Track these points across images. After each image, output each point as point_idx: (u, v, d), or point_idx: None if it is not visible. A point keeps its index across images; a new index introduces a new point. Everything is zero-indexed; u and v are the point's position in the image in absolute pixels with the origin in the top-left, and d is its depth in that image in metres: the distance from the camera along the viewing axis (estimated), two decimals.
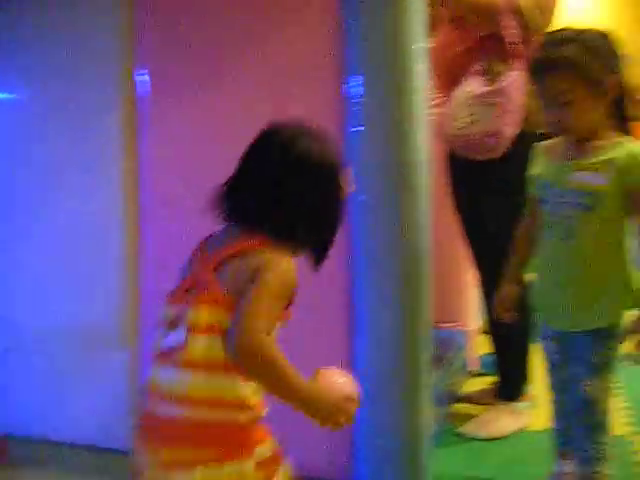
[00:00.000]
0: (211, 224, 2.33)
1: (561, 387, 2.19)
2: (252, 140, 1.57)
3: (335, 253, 2.19)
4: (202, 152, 2.37)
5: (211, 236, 1.59)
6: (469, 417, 2.88)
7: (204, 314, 1.41)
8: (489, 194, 2.78)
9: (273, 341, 1.37)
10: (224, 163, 2.32)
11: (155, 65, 2.41)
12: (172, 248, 2.41)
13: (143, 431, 1.48)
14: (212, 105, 2.35)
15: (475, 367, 3.50)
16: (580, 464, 2.09)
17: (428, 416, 2.24)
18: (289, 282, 1.42)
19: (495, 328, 2.90)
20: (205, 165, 2.37)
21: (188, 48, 2.37)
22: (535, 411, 2.94)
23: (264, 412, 1.45)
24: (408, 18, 2.09)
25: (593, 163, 1.98)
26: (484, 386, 3.16)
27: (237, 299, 1.38)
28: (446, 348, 3.09)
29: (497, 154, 2.68)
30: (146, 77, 2.41)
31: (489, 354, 3.18)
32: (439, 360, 2.86)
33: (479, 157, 2.71)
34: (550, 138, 2.13)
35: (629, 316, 2.04)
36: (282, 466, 1.48)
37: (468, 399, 3.14)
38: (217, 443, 1.39)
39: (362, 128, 2.13)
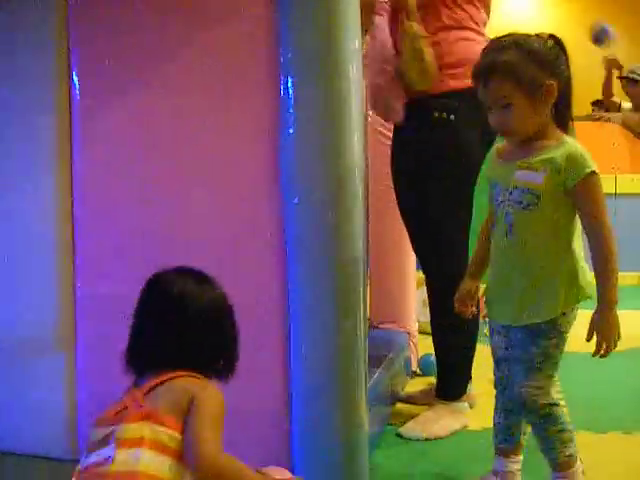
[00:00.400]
0: (146, 226, 2.33)
1: (502, 384, 2.25)
2: (144, 293, 1.81)
3: (269, 254, 2.21)
4: (136, 155, 2.34)
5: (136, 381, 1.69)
6: (410, 417, 2.88)
7: (133, 428, 1.50)
8: (428, 171, 2.77)
9: (225, 456, 1.50)
10: (158, 164, 2.33)
11: (88, 66, 2.37)
12: (107, 250, 2.39)
13: None
14: (144, 107, 2.32)
15: (416, 368, 3.51)
16: (542, 453, 2.15)
17: (366, 416, 2.23)
18: (223, 402, 1.58)
19: (439, 329, 2.90)
20: (139, 166, 2.34)
21: (122, 49, 2.33)
22: (475, 410, 2.96)
23: None
24: (340, 17, 2.08)
25: (534, 162, 2.04)
26: (425, 386, 3.17)
27: (174, 414, 1.52)
28: (387, 349, 3.08)
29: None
30: (79, 78, 2.37)
31: (429, 355, 3.20)
32: (380, 360, 2.85)
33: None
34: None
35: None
36: None
37: (409, 399, 3.14)
38: None
39: (294, 130, 2.11)
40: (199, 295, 1.71)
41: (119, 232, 2.37)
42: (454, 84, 2.70)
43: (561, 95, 2.05)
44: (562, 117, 2.10)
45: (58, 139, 2.40)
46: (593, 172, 1.99)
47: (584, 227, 2.04)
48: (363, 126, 2.24)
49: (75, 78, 2.36)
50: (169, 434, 1.48)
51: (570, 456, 2.12)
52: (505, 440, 2.26)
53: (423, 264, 2.92)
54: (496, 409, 2.29)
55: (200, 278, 1.76)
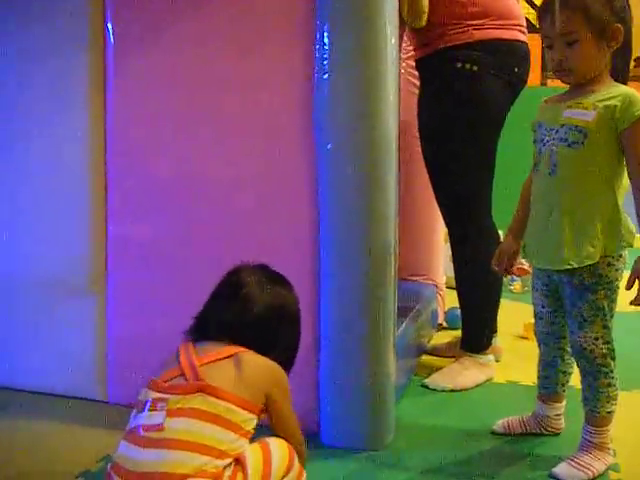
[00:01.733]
0: (179, 171, 2.34)
1: (543, 339, 2.28)
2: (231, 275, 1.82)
3: (301, 199, 2.22)
4: (169, 103, 2.35)
5: (193, 343, 1.71)
6: (435, 369, 2.90)
7: (188, 399, 1.52)
8: (451, 122, 2.75)
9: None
10: (190, 113, 2.33)
11: (123, 16, 2.37)
12: (138, 194, 2.41)
13: None
14: (178, 49, 2.33)
15: (442, 320, 3.53)
16: (584, 403, 2.16)
17: (393, 365, 2.26)
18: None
19: (463, 282, 2.90)
20: (171, 115, 2.35)
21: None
22: (500, 364, 2.98)
23: None
24: None
25: (586, 102, 2.02)
26: (451, 339, 3.18)
27: (239, 390, 1.56)
28: (414, 300, 3.09)
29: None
30: (114, 27, 2.37)
31: (456, 308, 3.21)
32: (407, 312, 2.87)
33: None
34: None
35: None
36: None
37: (435, 351, 3.17)
38: None
39: (329, 76, 2.11)
40: (286, 294, 1.82)
41: (151, 176, 2.38)
42: (478, 35, 2.67)
43: (623, 45, 2.04)
44: (620, 69, 2.09)
45: (92, 77, 2.41)
46: None
47: (630, 171, 2.02)
48: (397, 73, 2.23)
49: (109, 15, 2.37)
50: (228, 407, 1.51)
51: (610, 413, 2.13)
52: (544, 388, 2.33)
53: (446, 215, 2.90)
54: (538, 360, 2.33)
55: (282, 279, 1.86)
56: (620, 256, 2.07)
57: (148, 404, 1.53)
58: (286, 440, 1.64)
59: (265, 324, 1.74)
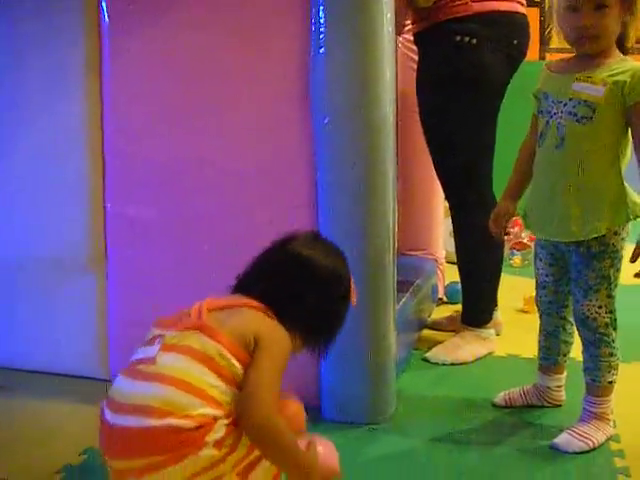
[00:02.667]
0: (176, 148, 2.34)
1: (545, 309, 2.29)
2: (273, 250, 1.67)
3: (300, 181, 2.22)
4: (166, 86, 2.34)
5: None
6: (436, 343, 2.90)
7: (184, 336, 1.44)
8: (450, 94, 2.74)
9: (277, 421, 1.38)
10: (187, 96, 2.33)
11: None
12: (136, 173, 2.40)
13: (106, 441, 1.45)
14: (177, 34, 2.32)
15: (442, 295, 3.53)
16: (585, 373, 2.18)
17: (394, 339, 2.26)
18: (288, 350, 1.50)
19: (463, 255, 2.91)
20: (168, 98, 2.34)
21: None
22: (501, 337, 2.99)
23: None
24: None
25: (596, 76, 2.02)
26: (451, 313, 3.19)
27: (236, 340, 1.43)
28: (414, 275, 3.10)
29: None
30: (107, 6, 2.36)
31: (456, 282, 3.21)
32: (407, 286, 2.87)
33: None
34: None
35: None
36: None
37: (435, 325, 3.18)
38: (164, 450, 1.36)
39: (325, 51, 2.10)
40: (336, 263, 1.65)
41: (149, 156, 2.38)
42: (478, 7, 2.66)
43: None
44: (624, 39, 2.09)
45: (88, 61, 2.41)
46: None
47: (637, 145, 2.03)
48: (393, 47, 2.22)
49: (104, 4, 2.36)
50: (221, 352, 1.41)
51: (611, 383, 2.15)
52: (545, 359, 2.34)
53: (445, 187, 2.90)
54: (539, 330, 2.33)
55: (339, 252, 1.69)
56: (625, 225, 2.08)
57: (147, 339, 1.51)
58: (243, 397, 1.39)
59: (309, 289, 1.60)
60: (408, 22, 2.94)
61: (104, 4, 2.35)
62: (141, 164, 2.39)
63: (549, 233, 2.16)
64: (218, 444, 1.33)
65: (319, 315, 1.61)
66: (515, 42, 2.73)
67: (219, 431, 1.33)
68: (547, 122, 2.11)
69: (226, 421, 1.35)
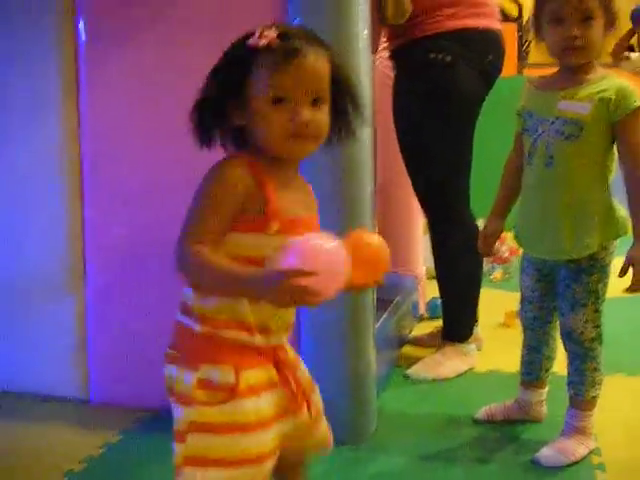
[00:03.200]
0: (155, 170, 2.33)
1: (529, 324, 2.29)
2: None
3: None
4: (142, 96, 2.34)
5: None
6: (417, 359, 2.89)
7: None
8: (426, 112, 2.74)
9: (205, 247, 1.35)
10: (164, 105, 2.32)
11: (93, 10, 2.36)
12: (114, 197, 2.39)
13: None
14: (150, 50, 2.32)
15: (423, 311, 3.53)
16: (568, 387, 2.18)
17: (373, 358, 2.26)
18: (227, 183, 1.39)
19: (443, 271, 2.91)
20: (147, 115, 2.34)
21: None
22: (482, 353, 2.99)
23: (236, 336, 1.40)
24: None
25: (581, 94, 2.04)
26: (432, 329, 3.19)
27: None
28: (394, 292, 3.09)
29: None
30: (84, 23, 2.36)
31: (437, 298, 3.21)
32: (387, 304, 2.87)
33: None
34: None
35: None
36: (239, 403, 1.38)
37: (416, 342, 3.16)
38: (174, 346, 1.47)
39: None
40: None
41: (128, 180, 2.38)
42: (451, 24, 2.67)
43: None
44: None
45: (64, 81, 2.40)
46: None
47: (624, 161, 2.05)
48: (369, 64, 2.22)
49: (81, 22, 2.35)
50: None
51: (594, 398, 2.16)
52: (527, 374, 2.34)
53: (423, 205, 2.90)
54: (522, 345, 2.34)
55: None
56: (614, 240, 2.10)
57: None
58: None
59: None
60: (384, 40, 2.96)
61: (81, 24, 2.35)
62: (120, 188, 2.38)
63: (542, 251, 2.17)
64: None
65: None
66: (489, 58, 2.74)
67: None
68: (534, 141, 2.11)
69: None
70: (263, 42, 1.38)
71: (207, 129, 1.46)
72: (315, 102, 1.40)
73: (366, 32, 2.15)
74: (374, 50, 2.80)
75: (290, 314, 1.48)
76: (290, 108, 1.38)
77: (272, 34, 1.39)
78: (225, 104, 1.44)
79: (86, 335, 2.48)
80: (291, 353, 1.54)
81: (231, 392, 1.38)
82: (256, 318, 1.41)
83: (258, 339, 1.42)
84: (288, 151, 1.42)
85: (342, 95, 1.48)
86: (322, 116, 1.42)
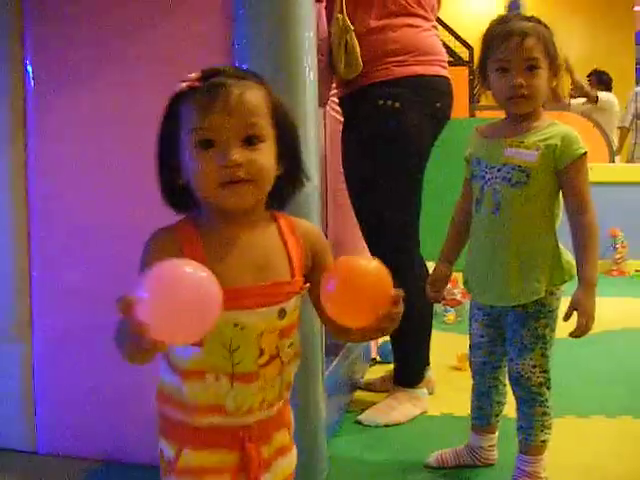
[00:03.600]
0: (104, 218, 2.32)
1: (478, 369, 2.30)
2: None
3: None
4: (92, 145, 2.33)
5: None
6: (369, 404, 2.89)
7: None
8: (376, 159, 2.75)
9: None
10: (115, 155, 2.31)
11: (42, 56, 2.35)
12: (61, 237, 2.37)
13: None
14: (100, 95, 2.31)
15: (375, 355, 3.52)
16: (518, 432, 2.19)
17: (323, 404, 2.24)
18: (151, 257, 1.29)
19: None
20: (95, 158, 2.33)
21: (76, 38, 2.31)
22: (434, 396, 2.99)
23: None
24: (296, 9, 2.07)
25: (527, 141, 2.07)
26: (384, 373, 3.18)
27: None
28: None
29: None
30: (33, 69, 2.35)
31: (388, 342, 3.22)
32: (338, 349, 2.86)
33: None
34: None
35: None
36: None
37: (368, 387, 3.15)
38: None
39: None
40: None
41: (75, 220, 2.35)
42: (399, 72, 2.71)
43: None
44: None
45: (11, 125, 2.38)
46: (585, 153, 2.04)
47: (570, 207, 2.07)
48: (316, 113, 2.23)
49: (29, 66, 2.35)
50: None
51: (544, 442, 2.16)
52: (477, 418, 2.34)
53: (374, 250, 2.91)
54: (472, 390, 2.34)
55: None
56: (561, 285, 2.12)
57: None
58: None
59: None
60: (333, 91, 2.98)
61: (29, 67, 2.34)
62: (66, 228, 2.36)
63: (490, 298, 2.18)
64: None
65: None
66: (438, 105, 2.77)
67: None
68: (482, 187, 2.14)
69: None
70: (185, 84, 1.30)
71: (167, 193, 1.38)
72: (249, 141, 1.27)
73: (312, 78, 2.16)
74: (323, 103, 2.82)
75: (263, 391, 1.34)
76: (219, 152, 1.26)
77: (195, 75, 1.31)
78: (169, 164, 1.34)
79: (33, 385, 2.43)
80: (277, 441, 1.42)
81: (171, 469, 1.34)
82: (202, 396, 1.31)
83: (200, 420, 1.32)
84: (222, 202, 1.28)
85: (286, 134, 1.35)
86: (259, 156, 1.28)
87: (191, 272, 1.08)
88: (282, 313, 1.35)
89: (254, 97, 1.30)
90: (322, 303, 1.25)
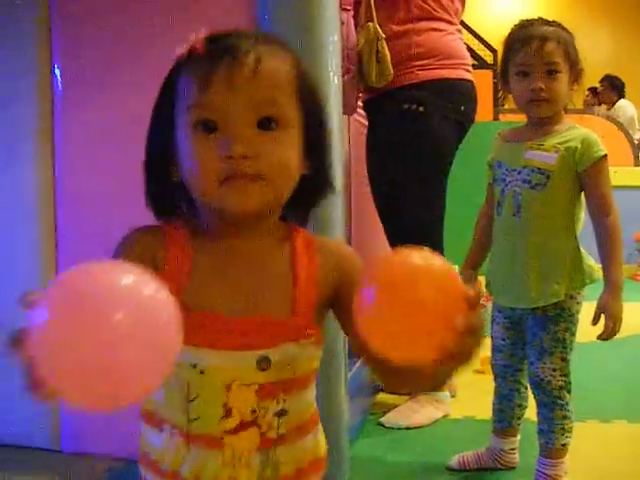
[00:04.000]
0: (128, 219, 2.33)
1: (500, 372, 2.31)
2: None
3: None
4: (119, 147, 2.34)
5: None
6: (392, 407, 2.89)
7: None
8: (400, 163, 2.77)
9: None
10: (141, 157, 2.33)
11: (71, 56, 2.37)
12: (89, 244, 2.38)
13: None
14: (129, 98, 2.33)
15: None
16: (539, 435, 2.19)
17: (346, 406, 2.25)
18: (124, 246, 1.08)
19: None
20: (123, 160, 2.34)
21: (104, 38, 2.33)
22: (457, 399, 2.99)
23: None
24: (321, 11, 2.07)
25: (548, 144, 2.08)
26: None
27: None
28: None
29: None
30: (62, 69, 2.37)
31: None
32: None
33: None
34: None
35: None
36: None
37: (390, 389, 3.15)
38: None
39: None
40: None
41: (103, 227, 2.37)
42: (423, 75, 2.72)
43: None
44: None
45: (40, 131, 2.40)
46: (605, 155, 2.05)
47: (593, 209, 2.08)
48: (341, 115, 2.24)
49: (57, 70, 2.37)
50: None
51: (564, 446, 2.16)
52: (499, 421, 2.34)
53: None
54: (494, 393, 2.34)
55: None
56: (581, 289, 2.12)
57: None
58: None
59: None
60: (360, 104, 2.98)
61: (57, 70, 2.36)
62: (94, 235, 2.37)
63: (510, 300, 2.19)
64: None
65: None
66: (462, 108, 2.78)
67: None
68: (503, 190, 2.15)
69: None
70: (187, 47, 0.99)
71: (154, 192, 1.09)
72: (264, 125, 0.95)
73: (337, 81, 2.17)
74: (350, 112, 2.83)
75: (232, 469, 0.99)
76: (221, 138, 0.94)
77: (199, 37, 0.98)
78: (163, 155, 1.03)
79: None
80: None
81: None
82: (158, 454, 1.02)
83: None
84: (221, 203, 0.96)
85: (316, 120, 1.04)
86: (276, 146, 0.96)
87: (130, 287, 0.68)
88: (264, 363, 0.98)
89: (275, 66, 0.97)
90: (359, 331, 0.82)
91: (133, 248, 1.03)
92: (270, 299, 1.01)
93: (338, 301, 1.06)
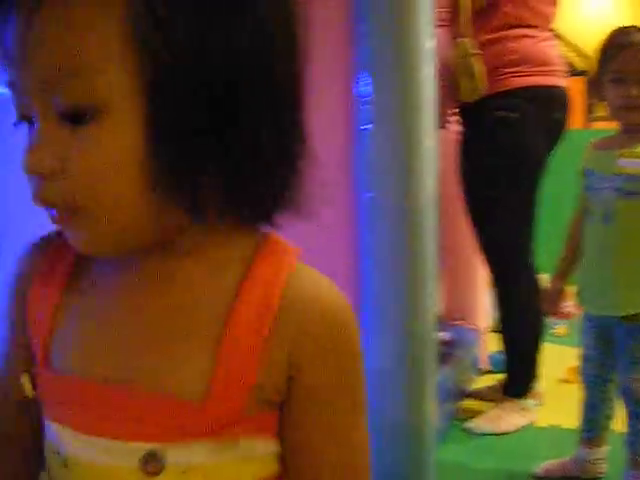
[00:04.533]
0: None
1: (589, 381, 2.30)
2: None
3: (340, 250, 2.24)
4: None
5: None
6: (477, 413, 2.91)
7: None
8: (493, 170, 2.78)
9: None
10: None
11: None
12: None
13: None
14: None
15: (484, 365, 3.53)
16: (626, 447, 2.17)
17: (434, 411, 2.27)
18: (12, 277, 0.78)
19: (505, 326, 2.93)
20: None
21: None
22: (542, 408, 2.98)
23: None
24: (416, 18, 2.10)
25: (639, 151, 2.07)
26: (492, 382, 3.19)
27: None
28: (456, 345, 3.11)
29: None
30: None
31: (498, 352, 3.22)
32: (448, 357, 2.89)
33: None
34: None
35: None
36: None
37: (476, 395, 3.17)
38: None
39: (371, 126, 2.14)
40: None
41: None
42: (517, 82, 2.72)
43: None
44: None
45: None
46: None
47: None
48: (435, 124, 2.27)
49: None
50: None
51: None
52: (587, 431, 2.33)
53: (487, 261, 2.92)
54: (583, 403, 2.34)
55: None
56: None
57: None
58: None
59: None
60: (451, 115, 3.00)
61: None
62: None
63: (598, 308, 2.19)
64: None
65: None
66: (556, 116, 2.77)
67: None
68: (593, 198, 2.16)
69: None
70: None
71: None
72: (72, 116, 0.59)
73: (432, 89, 2.18)
74: (442, 124, 2.85)
75: None
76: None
77: None
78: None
79: None
80: None
81: None
82: None
83: None
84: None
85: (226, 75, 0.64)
86: (89, 149, 0.59)
87: None
88: (152, 464, 0.62)
89: (79, 13, 0.57)
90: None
91: (20, 274, 0.73)
92: (177, 363, 0.64)
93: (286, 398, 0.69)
